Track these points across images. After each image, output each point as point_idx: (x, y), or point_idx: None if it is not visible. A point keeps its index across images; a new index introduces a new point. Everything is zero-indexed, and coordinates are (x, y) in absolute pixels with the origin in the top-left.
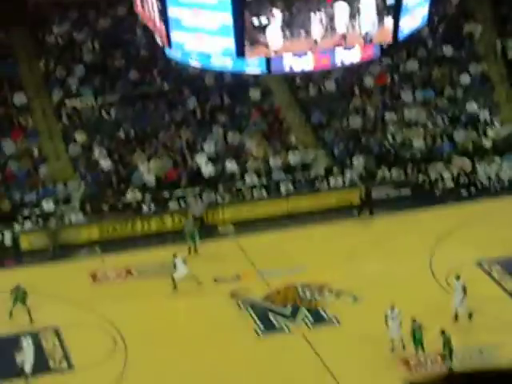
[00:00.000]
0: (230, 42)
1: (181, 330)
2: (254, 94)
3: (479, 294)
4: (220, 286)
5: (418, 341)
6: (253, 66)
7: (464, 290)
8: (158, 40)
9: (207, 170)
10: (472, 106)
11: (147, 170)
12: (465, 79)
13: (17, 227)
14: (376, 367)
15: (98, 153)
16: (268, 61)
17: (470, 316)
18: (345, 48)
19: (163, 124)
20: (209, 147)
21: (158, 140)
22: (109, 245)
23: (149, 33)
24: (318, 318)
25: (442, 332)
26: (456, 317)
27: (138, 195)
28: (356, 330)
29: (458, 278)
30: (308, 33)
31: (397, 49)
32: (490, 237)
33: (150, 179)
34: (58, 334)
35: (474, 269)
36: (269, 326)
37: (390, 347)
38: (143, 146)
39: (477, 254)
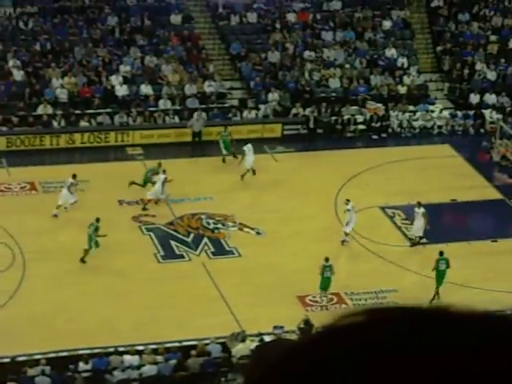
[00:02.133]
0: None
1: (80, 249)
2: (175, 18)
3: (380, 237)
4: (124, 209)
5: (325, 281)
6: None
7: (424, 216)
8: None
9: (121, 90)
10: (391, 52)
11: (61, 86)
12: (386, 24)
13: None
14: (269, 300)
15: (12, 63)
16: None
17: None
18: None
19: (81, 40)
20: (125, 68)
21: (74, 56)
22: (15, 157)
23: None
24: (219, 249)
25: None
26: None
27: (50, 110)
28: (255, 262)
29: (419, 205)
30: None
31: None
32: (396, 183)
33: (63, 95)
34: None
35: (377, 213)
36: (169, 253)
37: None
38: (59, 60)
39: (381, 198)
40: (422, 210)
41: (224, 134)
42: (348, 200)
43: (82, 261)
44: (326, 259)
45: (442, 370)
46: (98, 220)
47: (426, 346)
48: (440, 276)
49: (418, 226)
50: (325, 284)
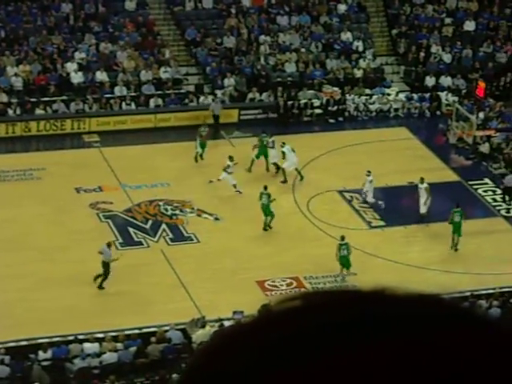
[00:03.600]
0: None
1: (39, 237)
2: (130, 5)
3: (339, 221)
4: (81, 197)
5: (341, 259)
6: None
7: (427, 191)
8: None
9: (77, 78)
10: (346, 36)
11: (15, 74)
12: (341, 8)
13: None
14: (229, 285)
15: None
16: None
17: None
18: None
19: (35, 28)
20: (80, 55)
21: (28, 44)
22: None
23: None
24: (177, 235)
25: None
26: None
27: (5, 98)
28: (214, 248)
29: (422, 181)
30: None
31: None
32: (353, 167)
33: (18, 83)
34: None
35: (336, 196)
36: (128, 240)
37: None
38: (13, 48)
39: (339, 182)
40: (425, 185)
41: (203, 130)
42: (369, 171)
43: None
44: (342, 238)
45: (378, 358)
46: None
47: (360, 333)
48: (456, 228)
49: (423, 202)
50: (342, 262)
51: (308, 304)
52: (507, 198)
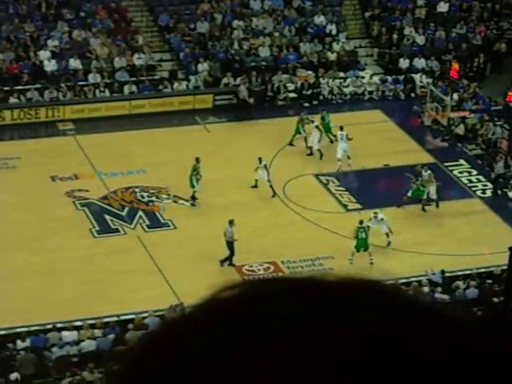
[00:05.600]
0: None
1: (15, 226)
2: None
3: (315, 204)
4: (57, 185)
5: (359, 242)
6: None
7: (430, 177)
8: None
9: (50, 66)
10: (320, 19)
11: None
12: None
13: None
14: (207, 271)
15: None
16: None
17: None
18: None
19: (7, 16)
20: (53, 43)
21: (0, 32)
22: None
23: None
24: (154, 222)
25: None
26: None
27: None
28: (191, 234)
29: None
30: None
31: None
32: (329, 150)
33: None
34: None
35: (312, 180)
36: (104, 227)
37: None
38: None
39: (314, 166)
40: (428, 172)
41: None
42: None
43: None
44: (361, 221)
45: (307, 346)
46: None
47: (283, 324)
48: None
49: (432, 189)
50: (359, 245)
51: (244, 294)
52: (498, 187)
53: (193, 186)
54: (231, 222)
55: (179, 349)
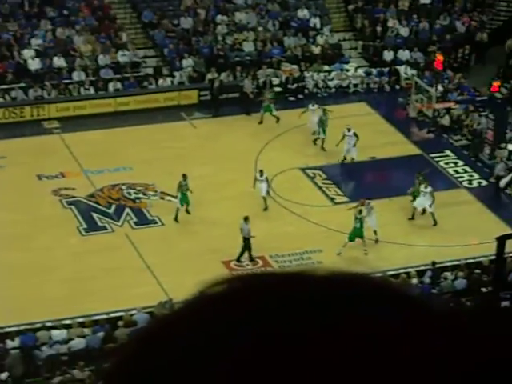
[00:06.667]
0: None
1: (2, 225)
2: None
3: (302, 198)
4: (43, 184)
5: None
6: None
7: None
8: None
9: (34, 64)
10: (303, 13)
11: None
12: None
13: None
14: (195, 266)
15: None
16: None
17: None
18: None
19: None
20: (36, 41)
21: None
22: None
23: None
24: (141, 218)
25: None
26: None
27: None
28: (179, 230)
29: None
30: None
31: None
32: (315, 144)
33: None
34: None
35: (298, 174)
36: (92, 225)
37: None
38: None
39: (301, 159)
40: (430, 189)
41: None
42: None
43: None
44: (360, 211)
45: (297, 344)
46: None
47: (287, 319)
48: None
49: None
50: (352, 234)
51: (232, 289)
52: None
53: (187, 203)
54: (246, 219)
55: (171, 346)
